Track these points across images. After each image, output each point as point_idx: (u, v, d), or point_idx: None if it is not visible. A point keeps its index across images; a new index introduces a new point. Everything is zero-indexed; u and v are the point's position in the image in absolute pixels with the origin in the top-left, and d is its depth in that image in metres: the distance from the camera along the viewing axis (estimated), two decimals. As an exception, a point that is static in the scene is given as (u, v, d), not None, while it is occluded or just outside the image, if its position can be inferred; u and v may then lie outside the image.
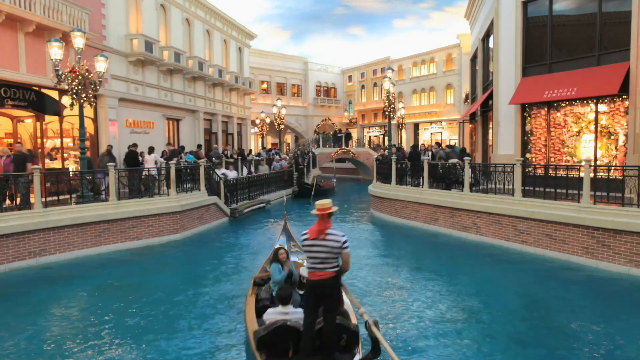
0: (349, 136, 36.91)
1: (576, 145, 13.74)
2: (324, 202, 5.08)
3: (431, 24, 58.12)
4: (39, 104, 14.34)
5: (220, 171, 17.77)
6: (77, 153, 13.91)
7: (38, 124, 14.79)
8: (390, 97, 18.96)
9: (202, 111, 24.39)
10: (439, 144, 20.82)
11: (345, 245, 4.99)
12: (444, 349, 6.16)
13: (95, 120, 16.54)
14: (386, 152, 19.64)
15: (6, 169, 11.31)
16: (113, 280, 9.61)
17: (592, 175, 10.37)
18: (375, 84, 43.89)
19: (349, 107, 47.49)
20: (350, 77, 47.21)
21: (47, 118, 15.01)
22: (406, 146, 35.57)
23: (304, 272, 6.27)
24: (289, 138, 46.63)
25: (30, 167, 10.91)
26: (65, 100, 13.93)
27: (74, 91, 11.69)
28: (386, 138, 29.15)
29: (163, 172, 13.67)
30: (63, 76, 11.63)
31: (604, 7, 12.74)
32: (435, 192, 14.41)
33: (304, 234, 5.13)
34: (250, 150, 27.22)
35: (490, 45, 18.30)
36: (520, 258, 10.83)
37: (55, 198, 12.13)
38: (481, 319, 7.23)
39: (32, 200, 10.75)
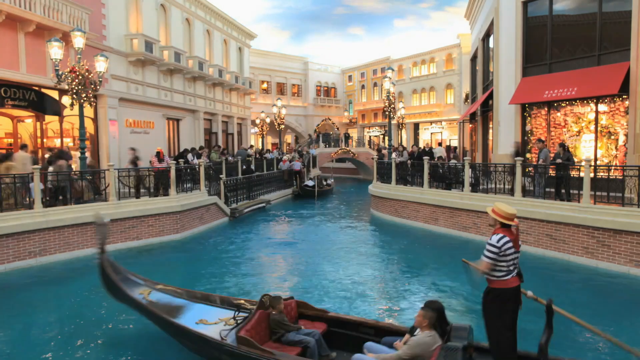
0: (347, 136, 36.91)
1: (576, 145, 13.74)
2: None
3: (431, 24, 58.14)
4: (39, 103, 14.34)
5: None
6: (77, 153, 13.91)
7: (38, 123, 14.80)
8: (390, 97, 18.95)
9: (202, 111, 24.39)
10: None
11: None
12: (444, 349, 6.15)
13: (95, 120, 16.55)
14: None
15: None
16: (113, 280, 9.60)
17: (592, 175, 10.36)
18: (375, 84, 43.88)
19: (349, 107, 47.50)
20: (350, 77, 47.21)
21: (47, 118, 15.03)
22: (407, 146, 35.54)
23: None
24: (289, 138, 46.63)
25: None
26: (65, 100, 13.94)
27: (74, 91, 11.70)
28: (386, 138, 29.15)
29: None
30: (63, 76, 11.64)
31: (604, 7, 12.73)
32: (435, 192, 14.41)
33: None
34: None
35: (491, 45, 18.30)
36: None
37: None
38: (480, 319, 7.22)
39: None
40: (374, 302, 8.14)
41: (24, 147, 11.74)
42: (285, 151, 30.80)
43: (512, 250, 4.64)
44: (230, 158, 20.34)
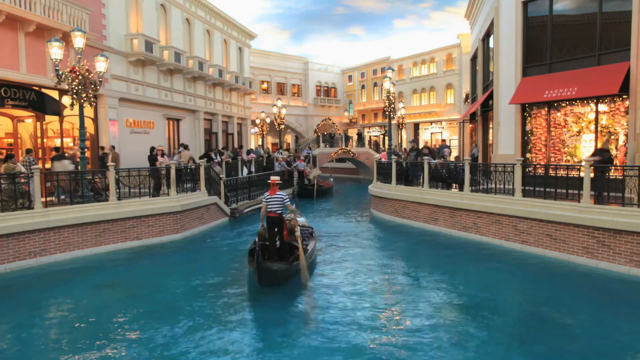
0: (347, 137, 36.84)
1: (576, 145, 13.74)
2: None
3: (431, 24, 58.14)
4: (39, 104, 14.34)
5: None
6: (78, 153, 13.89)
7: (38, 124, 14.79)
8: (391, 97, 18.93)
9: (203, 111, 24.39)
10: None
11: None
12: (443, 348, 6.15)
13: (95, 120, 16.55)
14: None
15: None
16: (113, 280, 9.61)
17: (592, 175, 10.36)
18: (375, 84, 43.88)
19: (349, 107, 47.50)
20: (350, 77, 47.21)
21: (47, 118, 15.02)
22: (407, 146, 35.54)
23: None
24: (289, 138, 46.64)
25: None
26: (66, 100, 13.93)
27: (74, 91, 11.69)
28: (386, 138, 29.15)
29: (163, 172, 13.67)
30: (63, 76, 11.63)
31: (604, 7, 12.73)
32: (435, 192, 14.41)
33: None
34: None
35: (491, 45, 18.30)
36: (521, 258, 10.82)
37: (55, 198, 12.12)
38: (481, 319, 7.23)
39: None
40: (371, 299, 8.13)
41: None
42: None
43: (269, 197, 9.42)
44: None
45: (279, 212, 9.31)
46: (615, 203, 9.91)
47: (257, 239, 9.91)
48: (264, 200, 9.51)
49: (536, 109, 14.77)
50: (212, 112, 25.75)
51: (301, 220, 12.38)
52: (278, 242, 9.42)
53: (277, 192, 9.42)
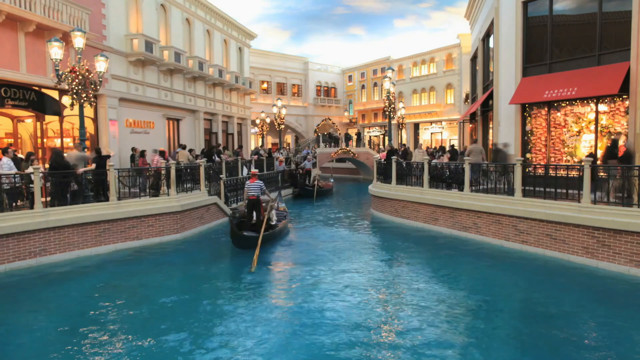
0: (348, 136, 36.83)
1: (576, 145, 13.74)
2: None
3: (431, 24, 58.11)
4: (39, 104, 14.34)
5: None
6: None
7: (38, 124, 14.80)
8: (391, 97, 18.96)
9: (202, 111, 24.39)
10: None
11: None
12: (443, 348, 6.15)
13: (95, 120, 16.56)
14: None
15: None
16: (113, 280, 9.61)
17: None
18: (375, 84, 43.89)
19: (349, 107, 47.50)
20: (350, 77, 47.23)
21: (47, 118, 15.03)
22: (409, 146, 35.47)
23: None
24: (289, 138, 46.65)
25: None
26: (66, 100, 13.94)
27: (74, 91, 11.70)
28: (386, 138, 29.16)
29: (163, 172, 13.66)
30: (63, 76, 11.64)
31: (604, 7, 12.73)
32: (435, 192, 14.41)
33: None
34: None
35: (491, 45, 18.31)
36: (521, 258, 10.82)
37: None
38: (481, 319, 7.23)
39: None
40: (370, 298, 8.14)
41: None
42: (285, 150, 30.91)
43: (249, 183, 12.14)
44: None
45: (256, 195, 12.25)
46: (615, 203, 9.91)
47: (238, 215, 13.27)
48: (245, 186, 12.53)
49: (536, 109, 14.77)
50: (212, 112, 25.76)
51: (282, 205, 15.81)
52: (254, 219, 12.27)
53: (256, 181, 12.37)
